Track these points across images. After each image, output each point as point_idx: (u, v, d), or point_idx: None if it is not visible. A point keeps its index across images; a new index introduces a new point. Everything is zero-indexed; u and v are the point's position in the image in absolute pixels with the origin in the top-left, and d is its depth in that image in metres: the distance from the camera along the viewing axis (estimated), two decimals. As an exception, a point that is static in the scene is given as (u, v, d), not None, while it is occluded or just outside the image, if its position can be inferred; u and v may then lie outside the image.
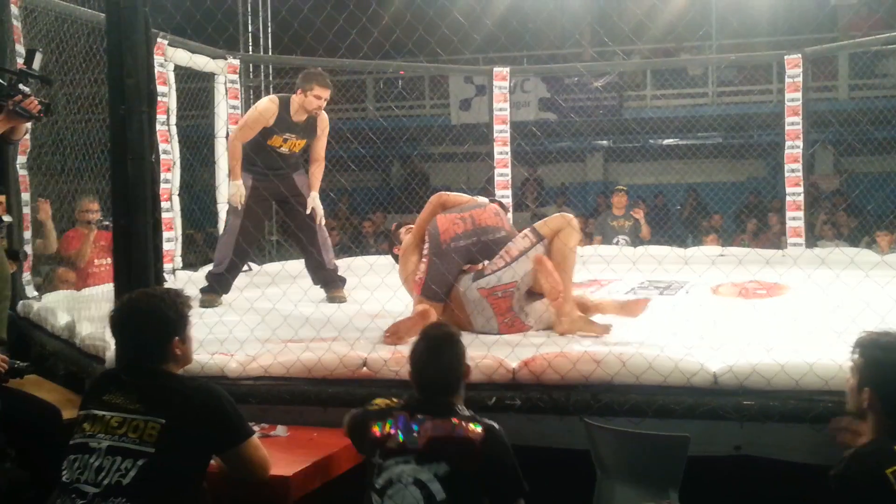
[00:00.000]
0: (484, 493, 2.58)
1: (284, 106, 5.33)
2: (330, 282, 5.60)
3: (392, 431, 2.62)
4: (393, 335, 4.02)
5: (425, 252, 4.36)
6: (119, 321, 2.66)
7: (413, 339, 2.96)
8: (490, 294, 4.22)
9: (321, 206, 5.63)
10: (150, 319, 2.59)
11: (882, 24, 9.00)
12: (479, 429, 2.58)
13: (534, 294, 4.33)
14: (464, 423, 2.59)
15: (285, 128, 5.35)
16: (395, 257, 4.86)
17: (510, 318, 4.25)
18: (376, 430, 2.66)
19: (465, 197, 4.62)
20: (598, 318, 4.29)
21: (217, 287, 5.44)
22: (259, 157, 5.35)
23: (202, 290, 5.40)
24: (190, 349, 2.73)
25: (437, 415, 2.62)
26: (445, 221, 4.37)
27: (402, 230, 4.86)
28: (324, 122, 5.51)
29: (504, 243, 4.33)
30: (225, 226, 5.68)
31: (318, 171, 5.59)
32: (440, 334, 2.82)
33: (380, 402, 2.81)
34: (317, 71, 5.37)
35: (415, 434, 2.59)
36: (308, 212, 5.51)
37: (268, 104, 5.35)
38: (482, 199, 4.68)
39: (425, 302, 4.26)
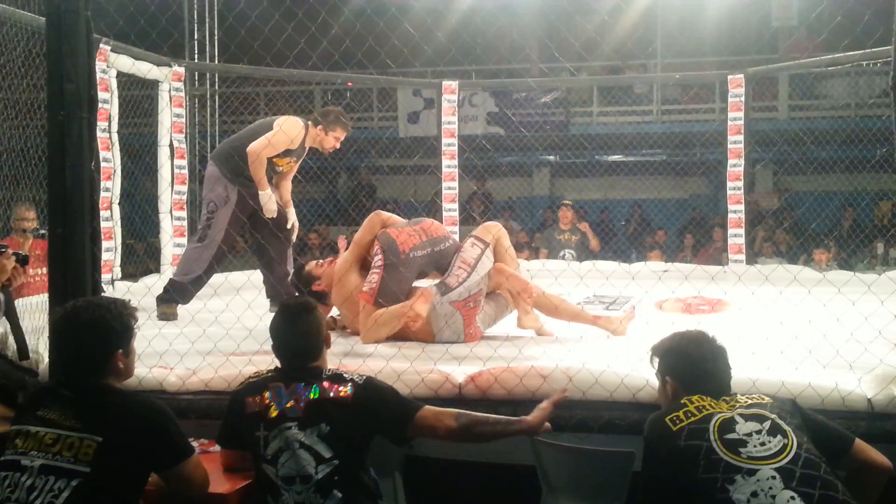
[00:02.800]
0: (375, 435, 2.73)
1: (305, 132, 5.36)
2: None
3: (269, 402, 2.70)
4: (416, 318, 4.17)
5: (378, 264, 4.41)
6: (61, 330, 2.57)
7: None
8: (464, 306, 4.39)
9: (296, 220, 5.66)
10: (94, 330, 2.49)
11: (822, 46, 9.22)
12: (347, 386, 2.71)
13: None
14: (334, 384, 2.71)
15: (297, 152, 5.42)
16: (317, 295, 4.57)
17: (474, 329, 4.45)
18: (253, 403, 2.72)
19: (400, 218, 4.78)
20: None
21: (178, 297, 5.31)
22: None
23: (161, 300, 5.28)
24: (132, 363, 2.65)
25: (308, 381, 2.73)
26: (401, 234, 4.50)
27: (313, 266, 4.79)
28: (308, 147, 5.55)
29: (452, 252, 4.55)
30: (202, 236, 5.40)
31: (289, 186, 5.66)
32: (297, 304, 2.92)
33: (252, 377, 2.85)
34: (340, 111, 5.41)
35: (292, 401, 2.68)
36: (289, 225, 5.52)
37: (300, 130, 5.31)
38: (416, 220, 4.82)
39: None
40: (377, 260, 4.44)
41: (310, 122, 5.37)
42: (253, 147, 5.18)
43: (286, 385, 2.72)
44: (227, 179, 5.28)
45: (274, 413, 2.67)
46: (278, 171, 5.49)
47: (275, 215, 5.34)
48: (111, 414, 2.41)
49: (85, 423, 2.37)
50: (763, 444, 2.32)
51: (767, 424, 2.37)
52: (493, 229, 4.61)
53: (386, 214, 4.75)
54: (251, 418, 2.70)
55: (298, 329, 2.82)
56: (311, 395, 2.69)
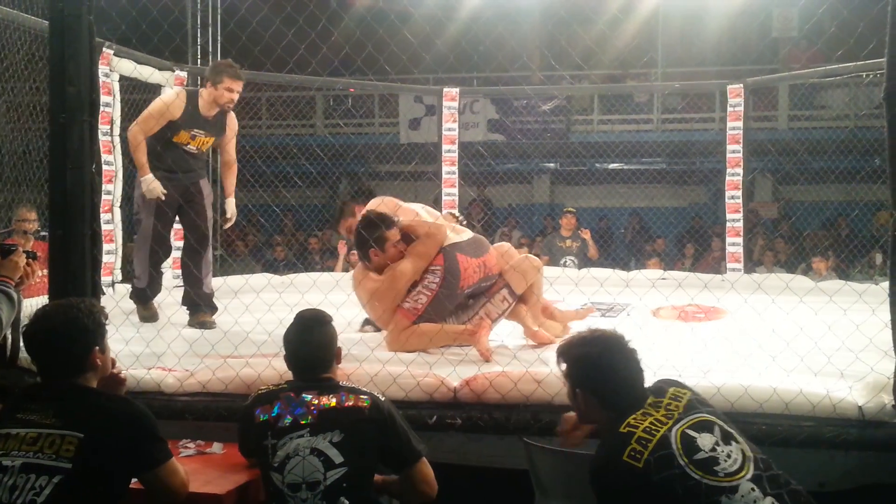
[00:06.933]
0: (379, 460, 2.70)
1: (192, 100, 5.15)
2: (201, 304, 5.25)
3: (280, 412, 2.69)
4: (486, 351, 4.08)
5: (431, 287, 4.34)
6: (35, 335, 2.55)
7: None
8: None
9: (235, 212, 5.57)
10: (70, 329, 2.50)
11: (820, 57, 9.28)
12: (364, 398, 2.71)
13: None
14: (350, 395, 2.71)
15: (193, 123, 5.14)
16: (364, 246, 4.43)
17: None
18: (262, 413, 2.72)
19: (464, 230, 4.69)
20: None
21: (144, 298, 5.33)
22: (167, 155, 5.10)
23: (134, 300, 5.32)
24: (108, 359, 2.65)
25: (321, 391, 2.72)
26: (469, 267, 4.39)
27: (387, 240, 4.39)
28: (233, 122, 5.37)
29: (489, 288, 4.50)
30: (136, 235, 5.40)
31: (231, 174, 5.50)
32: (311, 315, 2.93)
33: (262, 389, 2.86)
34: (226, 62, 5.25)
35: (304, 409, 2.68)
36: (228, 215, 5.44)
37: (174, 96, 5.17)
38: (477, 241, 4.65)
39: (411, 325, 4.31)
40: (432, 281, 4.34)
41: (200, 89, 5.23)
42: (129, 130, 5.12)
43: (297, 395, 2.72)
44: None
45: (284, 422, 2.67)
46: (188, 150, 5.19)
47: (153, 196, 5.06)
48: (92, 413, 2.41)
49: (65, 420, 2.36)
50: (728, 455, 2.27)
51: (717, 432, 2.32)
52: (530, 276, 4.52)
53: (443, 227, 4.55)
54: (260, 428, 2.70)
55: (311, 340, 2.83)
56: (326, 404, 2.68)
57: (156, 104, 5.19)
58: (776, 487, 2.25)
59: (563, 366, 2.56)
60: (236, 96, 5.15)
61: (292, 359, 2.86)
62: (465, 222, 4.98)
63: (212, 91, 5.11)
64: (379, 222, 4.41)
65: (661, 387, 2.51)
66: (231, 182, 5.51)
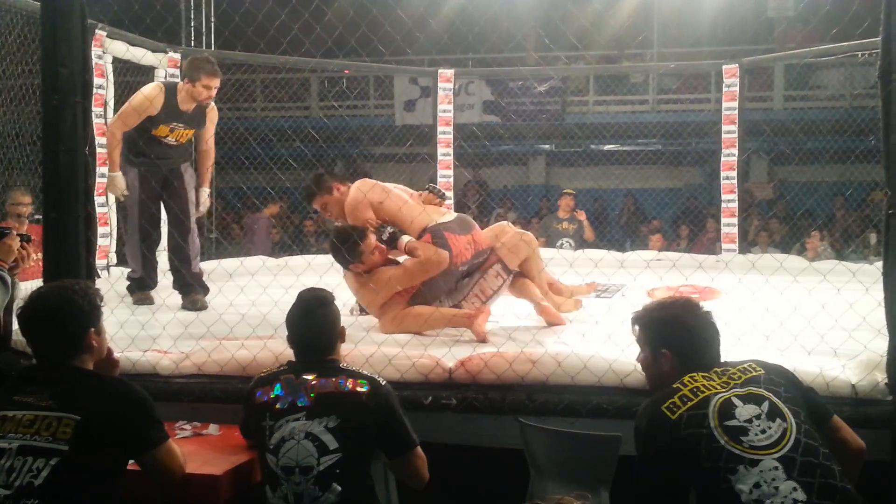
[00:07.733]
0: (376, 445, 2.72)
1: (171, 93, 5.14)
2: (193, 284, 5.28)
3: (280, 394, 2.71)
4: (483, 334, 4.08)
5: None
6: (31, 316, 2.54)
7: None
8: None
9: (208, 202, 5.60)
10: (66, 311, 2.50)
11: (816, 36, 9.25)
12: (364, 383, 2.71)
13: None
14: (349, 379, 2.72)
15: (172, 116, 5.15)
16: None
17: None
18: (263, 394, 2.74)
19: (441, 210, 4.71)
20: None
21: (143, 286, 5.35)
22: (146, 145, 5.12)
23: (130, 290, 5.33)
24: (105, 341, 2.65)
25: (321, 374, 2.73)
26: (458, 244, 4.41)
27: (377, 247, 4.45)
28: (213, 113, 5.38)
29: (482, 263, 4.52)
30: (125, 229, 5.47)
31: (207, 162, 5.53)
32: (312, 297, 2.91)
33: (265, 371, 2.90)
34: (203, 58, 5.20)
35: (302, 392, 2.69)
36: (200, 208, 5.44)
37: (153, 90, 5.14)
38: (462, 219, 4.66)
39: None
40: None
41: (179, 83, 5.23)
42: (108, 124, 5.13)
43: (297, 377, 2.73)
44: (127, 165, 5.19)
45: (282, 404, 2.68)
46: (166, 143, 5.22)
47: (115, 193, 5.20)
48: (88, 394, 2.41)
49: (62, 403, 2.36)
50: (764, 430, 2.28)
51: (766, 406, 2.33)
52: (522, 251, 4.54)
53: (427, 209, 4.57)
54: (259, 409, 2.72)
55: (313, 322, 2.83)
56: (324, 388, 2.68)
57: (136, 99, 5.15)
58: (807, 476, 2.22)
59: (642, 332, 2.63)
60: (214, 93, 5.17)
61: (295, 340, 2.86)
62: (445, 195, 4.97)
63: (189, 88, 5.11)
64: (352, 235, 4.36)
65: (742, 360, 2.53)
66: (206, 171, 5.54)
